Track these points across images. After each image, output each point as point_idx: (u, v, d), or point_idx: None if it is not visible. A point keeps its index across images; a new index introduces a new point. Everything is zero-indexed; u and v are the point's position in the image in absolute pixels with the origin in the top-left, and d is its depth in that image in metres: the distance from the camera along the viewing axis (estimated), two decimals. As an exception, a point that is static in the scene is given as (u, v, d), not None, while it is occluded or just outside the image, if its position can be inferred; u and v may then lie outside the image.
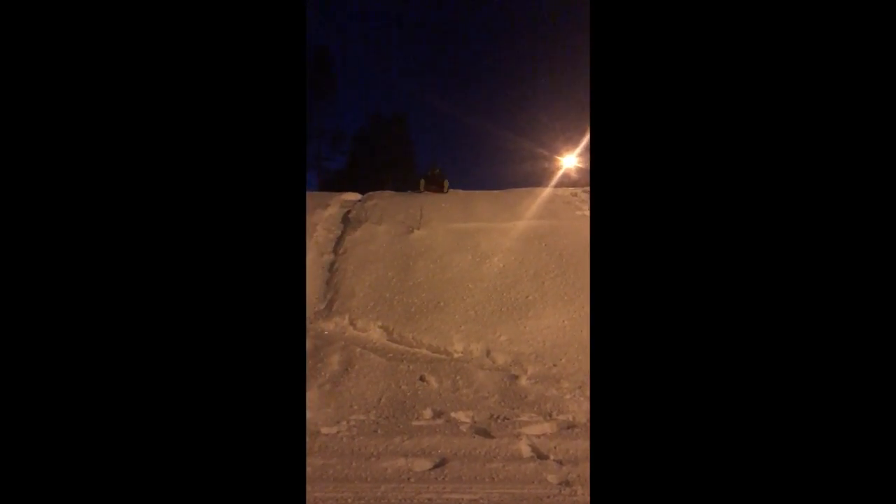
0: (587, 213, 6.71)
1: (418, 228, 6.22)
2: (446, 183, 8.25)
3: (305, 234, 5.76)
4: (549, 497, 2.11)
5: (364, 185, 9.91)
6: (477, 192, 8.13)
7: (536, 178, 17.37)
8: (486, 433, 2.80)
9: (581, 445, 2.66)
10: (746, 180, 0.79)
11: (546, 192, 7.99)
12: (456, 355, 4.15)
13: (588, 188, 8.24)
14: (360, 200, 7.69)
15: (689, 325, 0.79)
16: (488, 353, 4.15)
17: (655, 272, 0.81)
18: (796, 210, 0.76)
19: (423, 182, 8.39)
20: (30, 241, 0.85)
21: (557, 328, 4.41)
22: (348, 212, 7.07)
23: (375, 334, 4.50)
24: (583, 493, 2.15)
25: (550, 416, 3.13)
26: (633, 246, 0.83)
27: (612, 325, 0.82)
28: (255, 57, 0.92)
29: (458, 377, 3.67)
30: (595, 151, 0.90)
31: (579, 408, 3.25)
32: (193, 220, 0.88)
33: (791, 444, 0.73)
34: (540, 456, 2.54)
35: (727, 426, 0.75)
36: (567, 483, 2.25)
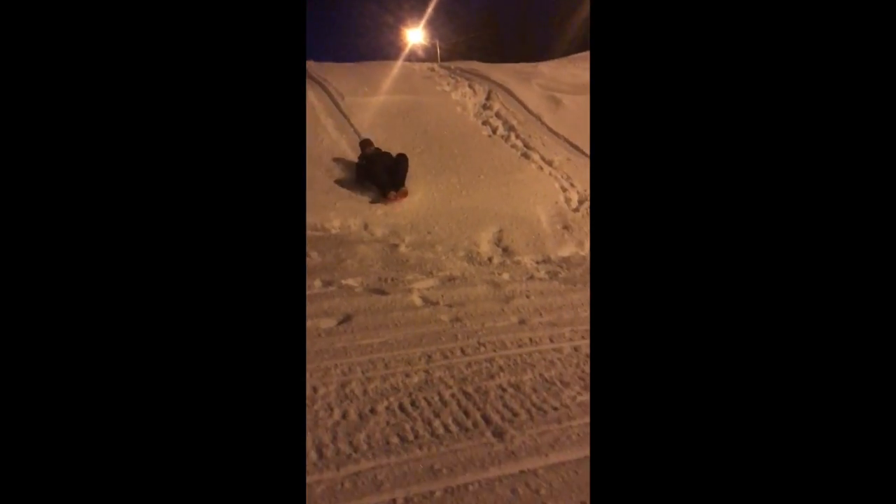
0: (447, 88, 6.81)
1: (273, 103, 5.74)
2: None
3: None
4: (444, 332, 2.51)
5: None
6: (331, 64, 7.59)
7: (384, 52, 16.46)
8: (380, 291, 3.07)
9: (463, 292, 3.10)
10: (750, 181, 0.77)
11: (402, 66, 7.80)
12: (334, 231, 4.24)
13: (446, 63, 8.24)
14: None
15: (690, 324, 0.77)
16: (366, 226, 4.31)
17: (655, 271, 0.79)
18: (797, 206, 0.76)
19: None
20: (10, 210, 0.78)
21: (428, 200, 4.71)
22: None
23: (245, 216, 4.31)
24: (470, 324, 2.59)
25: (431, 273, 3.51)
26: (633, 244, 0.80)
27: (612, 324, 0.80)
28: (251, 43, 0.86)
29: (340, 250, 3.80)
30: (595, 149, 0.87)
31: (455, 265, 3.69)
32: (191, 211, 0.84)
33: (791, 439, 0.73)
34: (431, 303, 2.92)
35: (727, 427, 0.75)
36: (457, 319, 2.67)
